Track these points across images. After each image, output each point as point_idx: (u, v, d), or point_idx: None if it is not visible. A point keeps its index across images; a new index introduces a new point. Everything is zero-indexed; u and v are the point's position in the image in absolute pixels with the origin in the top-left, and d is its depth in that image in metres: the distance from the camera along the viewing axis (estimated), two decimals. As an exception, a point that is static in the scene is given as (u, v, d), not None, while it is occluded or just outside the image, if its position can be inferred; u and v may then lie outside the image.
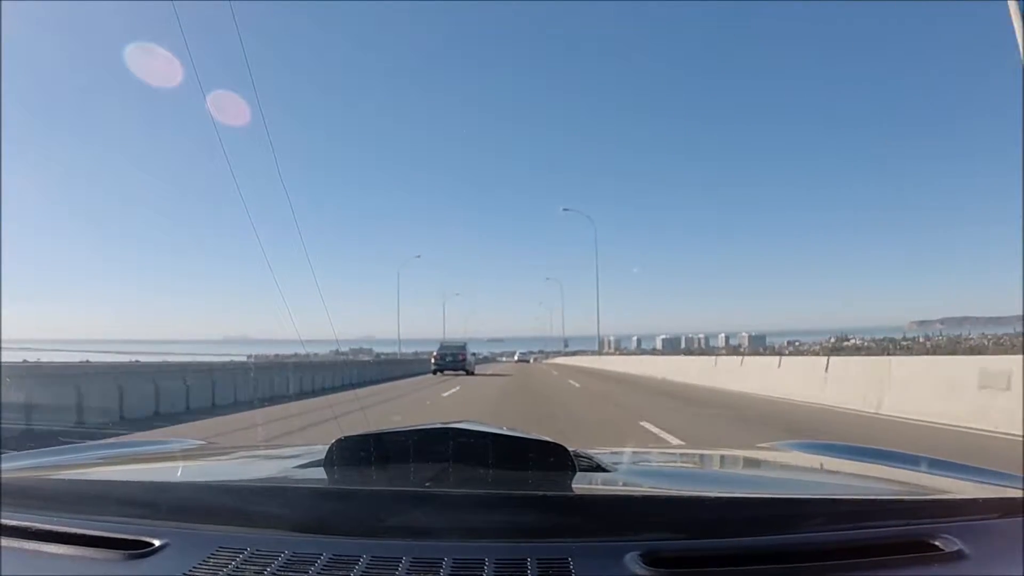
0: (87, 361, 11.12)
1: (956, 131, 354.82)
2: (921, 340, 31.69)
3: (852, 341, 49.46)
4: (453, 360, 26.11)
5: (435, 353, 27.32)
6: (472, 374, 25.88)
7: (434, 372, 25.92)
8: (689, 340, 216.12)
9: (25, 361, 10.10)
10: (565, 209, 44.41)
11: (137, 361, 12.76)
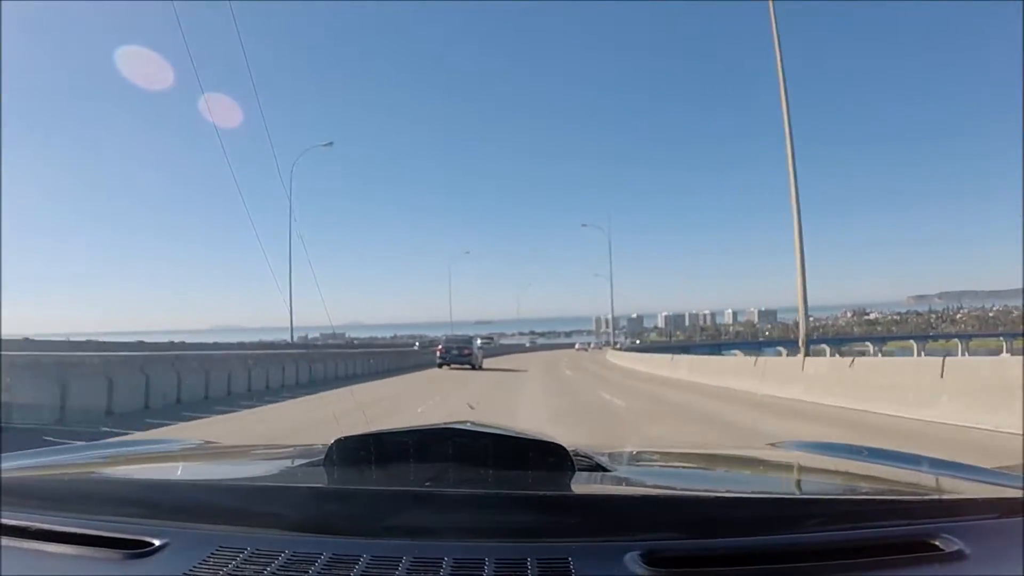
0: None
1: (955, 108, 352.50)
2: (952, 312, 30.10)
3: (872, 315, 47.94)
4: (459, 354, 26.79)
5: (440, 347, 28.18)
6: (479, 368, 26.21)
7: (439, 366, 26.68)
8: (693, 317, 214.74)
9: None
10: (583, 225, 40.78)
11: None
